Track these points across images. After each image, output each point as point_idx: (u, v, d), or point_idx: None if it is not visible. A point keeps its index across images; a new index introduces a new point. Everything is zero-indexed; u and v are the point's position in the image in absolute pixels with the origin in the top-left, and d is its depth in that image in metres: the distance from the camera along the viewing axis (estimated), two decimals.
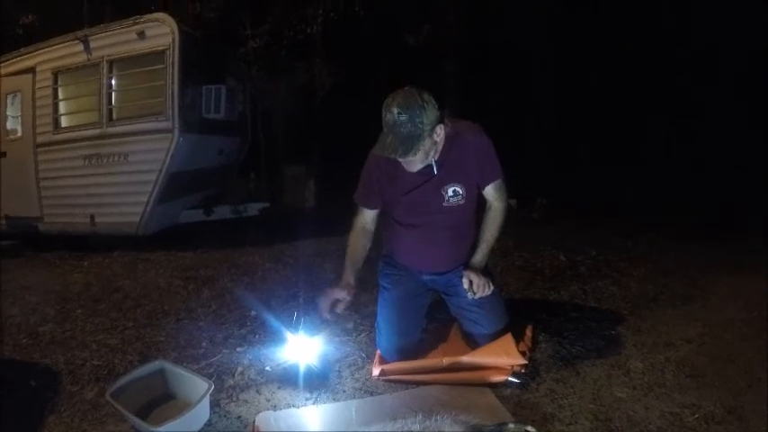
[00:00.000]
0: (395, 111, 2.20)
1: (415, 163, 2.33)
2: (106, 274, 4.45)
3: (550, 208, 5.69)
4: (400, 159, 2.31)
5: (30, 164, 5.64)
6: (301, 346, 2.65)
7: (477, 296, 2.50)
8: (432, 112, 2.22)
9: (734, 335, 2.74)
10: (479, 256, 2.61)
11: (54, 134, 5.62)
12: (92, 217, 5.39)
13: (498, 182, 2.56)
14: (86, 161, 5.46)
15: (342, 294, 2.53)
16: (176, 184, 5.48)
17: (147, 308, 3.65)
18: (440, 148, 2.37)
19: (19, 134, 5.82)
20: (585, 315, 3.19)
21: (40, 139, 5.65)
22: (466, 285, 2.49)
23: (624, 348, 2.77)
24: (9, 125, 5.93)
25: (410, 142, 2.21)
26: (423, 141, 2.23)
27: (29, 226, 5.57)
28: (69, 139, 5.56)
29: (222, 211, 6.33)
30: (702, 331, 2.82)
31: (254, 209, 6.59)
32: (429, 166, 2.39)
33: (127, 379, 2.41)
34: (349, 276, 2.58)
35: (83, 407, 2.50)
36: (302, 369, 2.66)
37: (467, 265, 2.58)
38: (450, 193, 2.48)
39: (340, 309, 2.56)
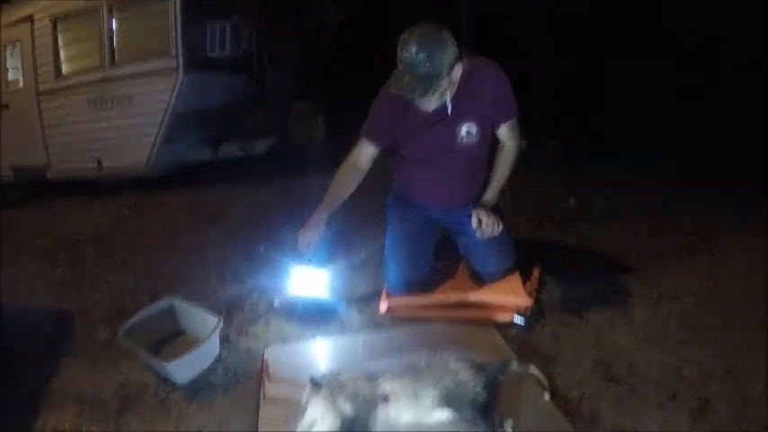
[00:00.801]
0: (413, 49, 2.05)
1: (430, 102, 2.22)
2: (115, 216, 4.46)
3: (562, 151, 5.55)
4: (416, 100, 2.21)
5: (33, 113, 5.59)
6: (309, 281, 2.63)
7: (486, 235, 2.43)
8: (451, 51, 2.09)
9: (738, 293, 2.68)
10: (490, 195, 2.53)
11: (56, 81, 5.54)
12: (98, 161, 5.36)
13: (513, 121, 2.47)
14: (90, 106, 5.40)
15: (312, 234, 2.44)
16: (182, 124, 5.41)
17: (157, 247, 3.67)
18: (455, 85, 2.26)
19: (20, 84, 5.75)
20: (593, 260, 3.16)
21: (42, 88, 5.58)
22: (475, 224, 2.41)
23: (629, 297, 2.74)
24: (10, 76, 5.85)
25: (428, 82, 2.09)
26: (441, 81, 2.11)
27: (37, 175, 5.57)
28: (72, 85, 5.48)
29: (229, 149, 6.26)
30: (707, 287, 2.76)
31: (261, 146, 6.52)
32: (443, 104, 2.28)
33: (138, 317, 2.43)
34: (322, 213, 2.47)
35: (96, 347, 2.55)
36: (310, 303, 2.67)
37: (477, 204, 2.51)
38: (463, 131, 2.39)
39: (312, 247, 2.47)
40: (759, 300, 2.55)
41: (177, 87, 5.08)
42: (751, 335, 2.32)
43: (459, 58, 2.13)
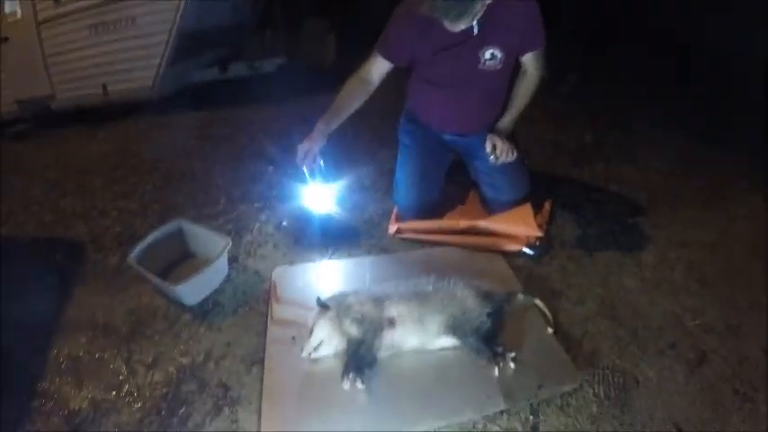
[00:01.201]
0: None
1: (459, 23, 2.05)
2: (122, 141, 4.38)
3: (581, 84, 5.25)
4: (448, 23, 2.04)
5: (34, 43, 5.40)
6: (319, 202, 2.57)
7: (500, 161, 2.35)
8: None
9: (746, 251, 2.60)
10: (507, 121, 2.45)
11: (55, 8, 5.32)
12: (104, 87, 5.21)
13: (539, 51, 2.33)
14: (92, 31, 5.19)
15: (311, 147, 2.27)
16: (188, 44, 5.20)
17: (165, 170, 3.61)
18: (485, 7, 2.08)
19: (18, 15, 5.56)
20: (605, 198, 3.06)
21: (41, 17, 5.36)
22: (489, 149, 2.34)
23: (639, 239, 2.69)
24: (7, 8, 5.64)
25: (463, 6, 1.93)
26: (477, 4, 1.95)
27: (41, 106, 5.45)
28: (72, 11, 5.26)
29: (238, 69, 6.09)
30: (717, 240, 2.68)
31: (270, 65, 6.33)
32: (470, 25, 2.12)
33: (147, 241, 2.41)
34: (323, 126, 2.30)
35: (107, 273, 2.55)
36: (319, 225, 2.63)
37: (493, 129, 2.42)
38: (487, 56, 2.25)
39: (310, 161, 2.31)
40: (765, 263, 2.50)
41: (182, 7, 4.82)
42: (754, 294, 2.30)
43: None
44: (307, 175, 2.41)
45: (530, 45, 2.30)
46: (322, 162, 2.38)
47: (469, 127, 2.54)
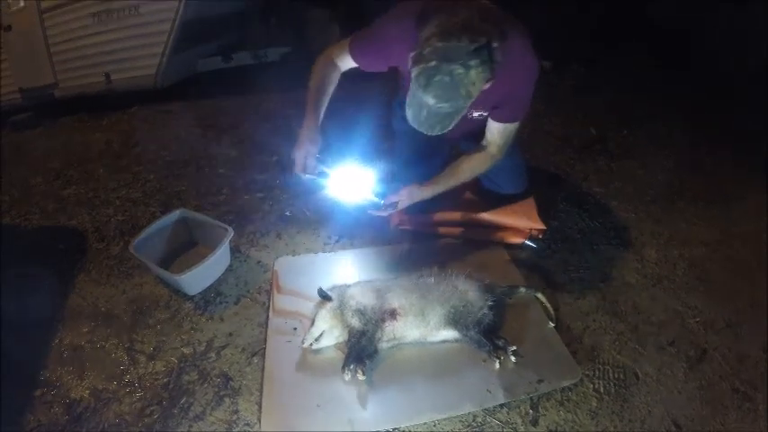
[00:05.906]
0: (431, 102, 1.68)
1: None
2: (126, 130, 4.36)
3: (587, 77, 5.17)
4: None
5: (37, 32, 5.39)
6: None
7: (371, 212, 2.18)
8: (479, 81, 1.67)
9: (749, 251, 2.58)
10: (429, 192, 2.20)
11: None
12: (107, 75, 5.20)
13: (511, 126, 2.11)
14: (95, 19, 5.16)
15: (308, 148, 2.07)
16: (192, 33, 5.18)
17: (168, 159, 3.59)
18: None
19: (21, 4, 5.53)
20: (609, 193, 3.04)
21: (44, 5, 5.35)
22: (389, 199, 2.15)
23: (641, 235, 2.69)
24: None
25: (450, 119, 1.75)
26: (456, 119, 1.77)
27: (45, 94, 5.43)
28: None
29: (242, 58, 6.05)
30: (720, 238, 2.67)
31: (274, 54, 6.29)
32: None
33: (149, 230, 2.40)
34: (312, 122, 2.11)
35: (109, 262, 2.55)
36: (321, 215, 2.60)
37: (412, 185, 2.18)
38: (474, 114, 2.12)
39: (311, 164, 2.08)
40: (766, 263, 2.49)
41: None
42: (755, 293, 2.30)
43: (491, 78, 1.72)
44: (315, 180, 2.17)
45: (501, 115, 2.09)
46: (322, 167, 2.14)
47: (456, 135, 2.31)
